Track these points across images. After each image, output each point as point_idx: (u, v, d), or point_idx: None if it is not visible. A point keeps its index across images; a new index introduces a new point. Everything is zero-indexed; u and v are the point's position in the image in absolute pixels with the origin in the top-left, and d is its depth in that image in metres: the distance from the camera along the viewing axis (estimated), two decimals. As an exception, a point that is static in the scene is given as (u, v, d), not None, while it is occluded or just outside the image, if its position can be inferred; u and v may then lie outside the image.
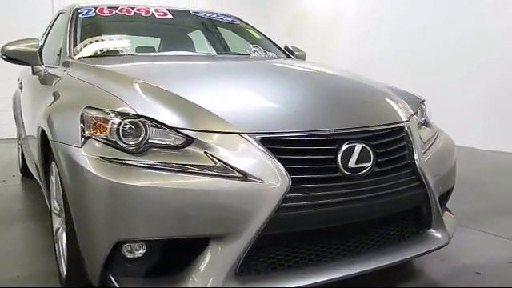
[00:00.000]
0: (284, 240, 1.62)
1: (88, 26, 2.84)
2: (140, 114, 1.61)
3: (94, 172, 1.53)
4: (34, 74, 2.67)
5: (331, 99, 1.91)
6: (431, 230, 1.94)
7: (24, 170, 4.35)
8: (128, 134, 1.59)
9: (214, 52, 3.13)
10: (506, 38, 5.31)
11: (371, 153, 1.68)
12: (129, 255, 1.57)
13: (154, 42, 3.05)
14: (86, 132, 1.64)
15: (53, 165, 1.97)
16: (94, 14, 2.94)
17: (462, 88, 5.70)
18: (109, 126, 1.60)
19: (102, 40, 2.88)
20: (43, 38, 3.43)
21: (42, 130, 2.00)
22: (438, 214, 1.93)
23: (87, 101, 1.76)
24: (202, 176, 1.52)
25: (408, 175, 1.81)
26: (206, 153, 1.55)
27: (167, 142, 1.58)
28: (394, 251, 1.81)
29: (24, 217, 3.21)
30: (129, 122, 1.59)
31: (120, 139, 1.58)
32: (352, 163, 1.64)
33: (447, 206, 2.22)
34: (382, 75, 3.32)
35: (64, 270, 1.89)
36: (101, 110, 1.66)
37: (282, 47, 3.28)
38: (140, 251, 1.57)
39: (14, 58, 2.63)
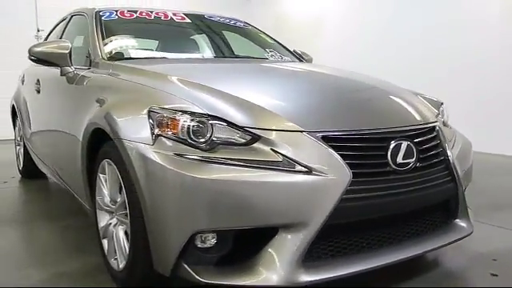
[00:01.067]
0: (340, 229, 1.77)
1: (114, 28, 2.90)
2: (210, 113, 1.73)
3: (171, 167, 1.64)
4: (62, 75, 2.72)
5: (376, 100, 2.08)
6: (457, 220, 2.14)
7: (26, 171, 4.32)
8: (198, 131, 1.70)
9: (234, 55, 3.25)
10: (488, 45, 5.65)
11: (414, 149, 1.86)
12: (201, 245, 1.68)
13: (180, 44, 3.14)
14: (156, 130, 1.74)
15: (105, 162, 2.05)
16: (117, 16, 3.01)
17: (444, 92, 6.00)
18: (180, 125, 1.71)
19: (133, 42, 2.97)
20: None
21: (95, 130, 2.08)
22: (464, 206, 2.13)
23: (151, 101, 1.86)
24: (270, 170, 1.64)
25: (442, 170, 2.00)
26: (272, 149, 1.68)
27: (236, 140, 1.70)
28: (430, 239, 1.99)
29: (40, 217, 3.20)
30: (199, 121, 1.71)
31: (190, 137, 1.70)
32: (399, 159, 1.81)
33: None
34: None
35: (120, 263, 1.97)
36: (169, 109, 1.77)
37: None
38: (211, 241, 1.69)
39: (43, 59, 2.68)
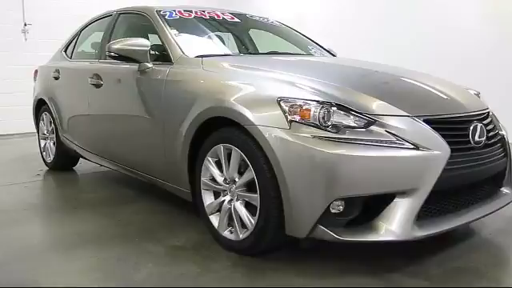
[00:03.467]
0: (437, 195, 2.16)
1: (180, 26, 3.15)
2: (334, 102, 2.09)
3: (311, 146, 1.99)
4: (139, 70, 2.95)
5: (449, 90, 2.52)
6: (503, 188, 2.61)
7: (57, 164, 4.43)
8: (325, 117, 2.05)
9: (289, 51, 3.58)
10: (464, 49, 6.19)
11: (484, 130, 2.31)
12: (333, 210, 2.04)
13: (241, 41, 3.43)
14: (290, 117, 2.07)
15: (221, 147, 2.35)
16: (178, 16, 3.26)
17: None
18: (311, 111, 2.06)
19: (204, 39, 3.24)
20: (107, 38, 3.62)
21: (207, 120, 2.39)
22: (509, 177, 2.61)
23: (274, 92, 2.19)
24: (387, 148, 2.03)
25: (500, 147, 2.47)
26: (386, 131, 2.07)
27: (356, 123, 2.07)
28: (488, 203, 2.44)
29: (103, 203, 3.34)
30: (326, 109, 2.06)
31: (319, 122, 2.05)
32: (477, 137, 2.26)
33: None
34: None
35: (241, 233, 2.29)
36: (299, 98, 2.11)
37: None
38: (340, 207, 2.05)
39: (124, 55, 2.91)
